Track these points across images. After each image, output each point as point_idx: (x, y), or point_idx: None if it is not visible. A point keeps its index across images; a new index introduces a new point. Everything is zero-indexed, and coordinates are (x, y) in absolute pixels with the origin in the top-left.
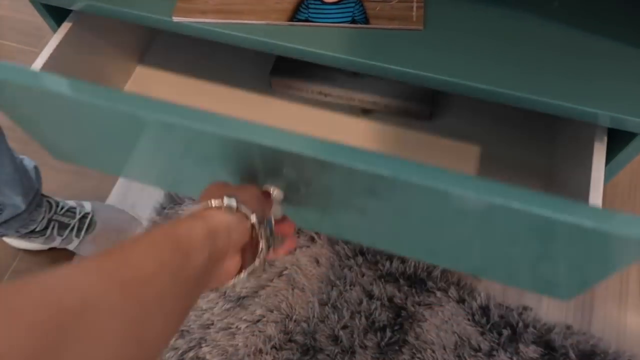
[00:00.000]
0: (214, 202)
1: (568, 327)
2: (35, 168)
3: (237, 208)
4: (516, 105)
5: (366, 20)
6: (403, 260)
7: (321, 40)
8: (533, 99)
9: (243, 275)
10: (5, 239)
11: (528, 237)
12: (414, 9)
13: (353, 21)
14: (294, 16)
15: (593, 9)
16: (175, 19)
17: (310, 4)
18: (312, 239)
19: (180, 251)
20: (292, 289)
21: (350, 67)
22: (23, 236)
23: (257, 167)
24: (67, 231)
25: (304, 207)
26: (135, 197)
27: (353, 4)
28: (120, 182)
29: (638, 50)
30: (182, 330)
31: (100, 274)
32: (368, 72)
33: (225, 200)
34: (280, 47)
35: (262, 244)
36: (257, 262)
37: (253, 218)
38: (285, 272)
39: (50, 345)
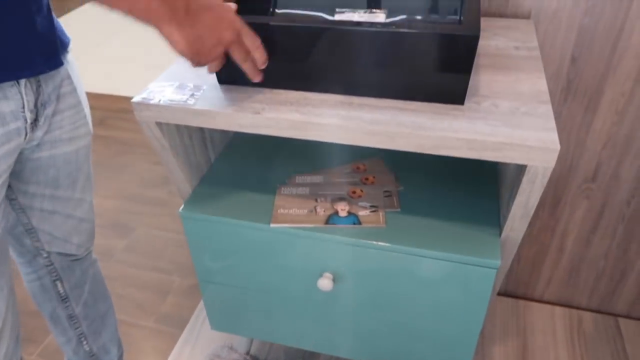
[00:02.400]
0: None
1: None
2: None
3: None
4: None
5: (360, 223)
6: None
7: (340, 233)
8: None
9: None
10: None
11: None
12: (381, 216)
13: (354, 223)
14: (327, 222)
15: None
16: (273, 225)
17: (334, 217)
18: None
19: None
20: None
21: (347, 243)
22: None
23: None
24: None
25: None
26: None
27: (354, 217)
28: (180, 342)
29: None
30: None
31: None
32: (356, 245)
33: None
34: (319, 236)
35: None
36: None
37: None
38: None
39: None
